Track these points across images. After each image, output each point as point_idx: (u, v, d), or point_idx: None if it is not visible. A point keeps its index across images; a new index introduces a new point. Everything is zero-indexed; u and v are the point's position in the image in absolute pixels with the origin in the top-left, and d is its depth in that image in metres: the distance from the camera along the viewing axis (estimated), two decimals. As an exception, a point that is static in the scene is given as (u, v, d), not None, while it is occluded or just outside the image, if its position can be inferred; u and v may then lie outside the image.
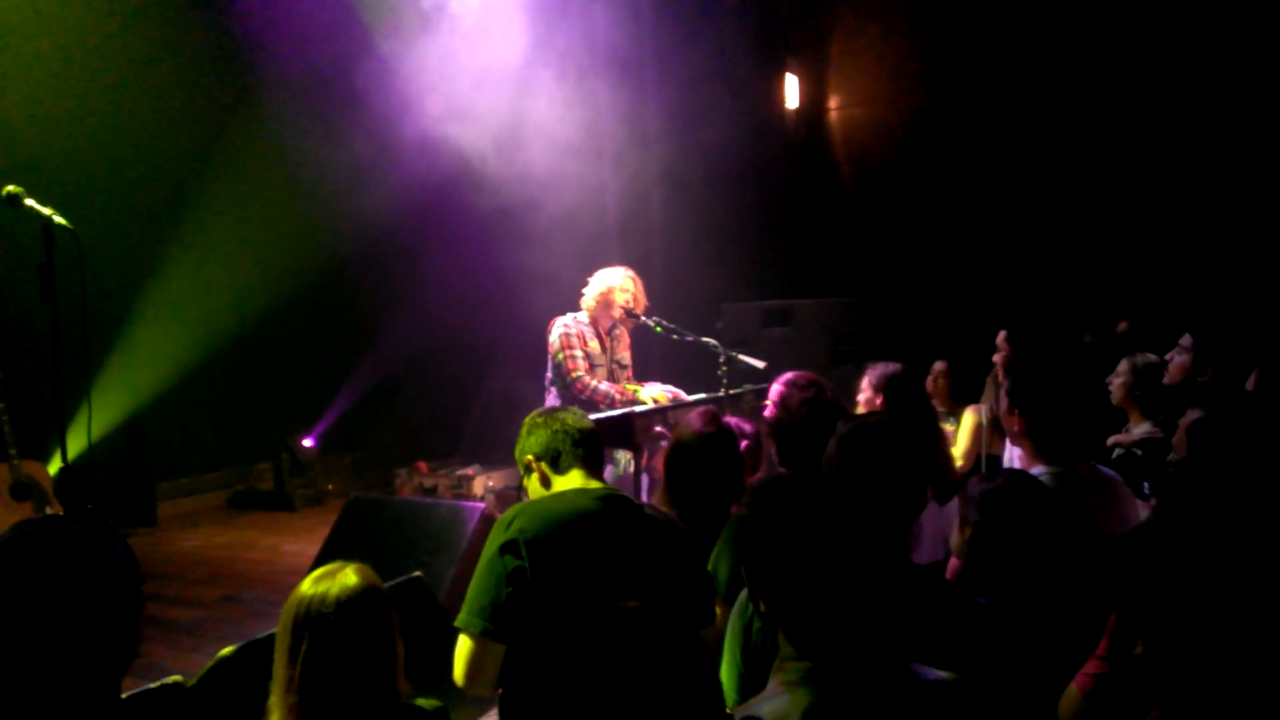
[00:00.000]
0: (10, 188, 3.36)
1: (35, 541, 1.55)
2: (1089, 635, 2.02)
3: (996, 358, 5.36)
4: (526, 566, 2.19)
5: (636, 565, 2.29)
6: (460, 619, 2.23)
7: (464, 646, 2.23)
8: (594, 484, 2.45)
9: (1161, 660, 1.71)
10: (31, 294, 3.24)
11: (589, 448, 2.49)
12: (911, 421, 3.36)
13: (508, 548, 2.22)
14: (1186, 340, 4.22)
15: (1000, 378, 5.22)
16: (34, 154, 6.04)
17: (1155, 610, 1.76)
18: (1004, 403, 3.15)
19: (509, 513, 2.32)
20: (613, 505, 2.36)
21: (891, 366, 3.75)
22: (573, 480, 2.45)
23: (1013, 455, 3.76)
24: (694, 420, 3.02)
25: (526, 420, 2.57)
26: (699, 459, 2.91)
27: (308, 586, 1.89)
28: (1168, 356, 4.23)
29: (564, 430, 2.48)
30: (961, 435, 5.01)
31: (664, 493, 2.95)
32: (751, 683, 1.97)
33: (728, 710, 1.83)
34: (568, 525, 2.27)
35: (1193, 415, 2.84)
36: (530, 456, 2.51)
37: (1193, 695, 1.66)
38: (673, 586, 2.32)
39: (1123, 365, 4.12)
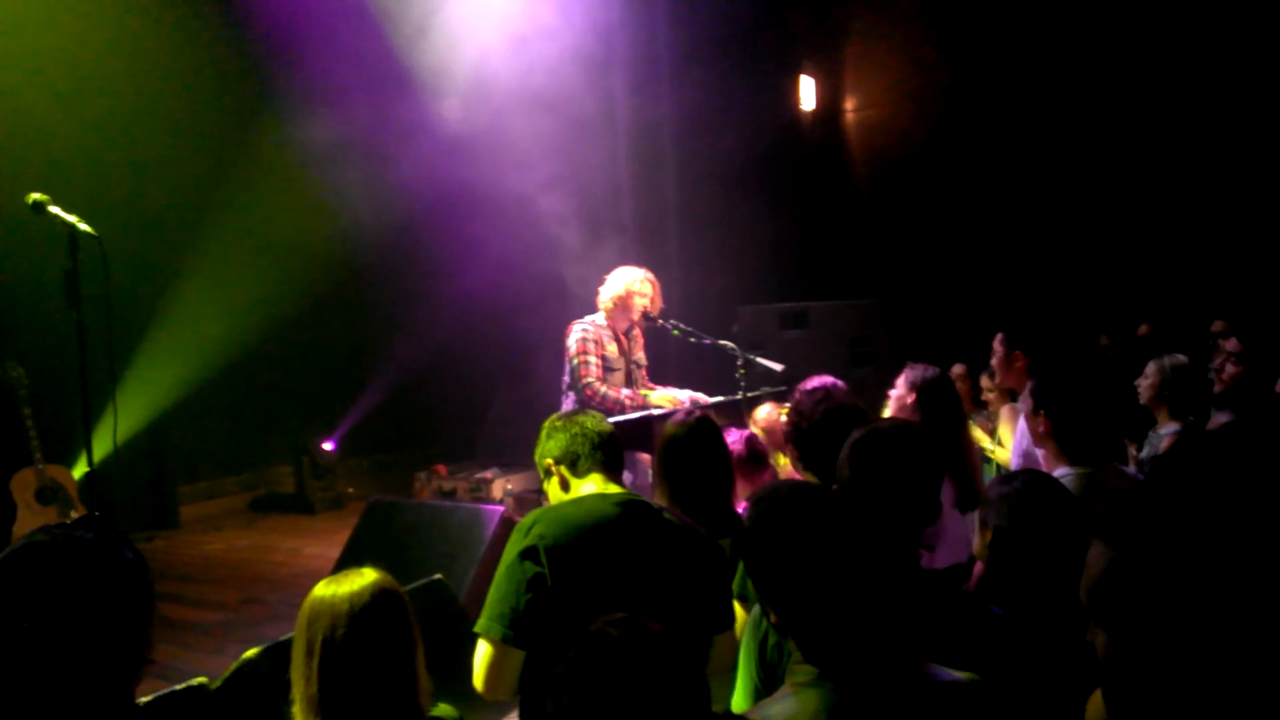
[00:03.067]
0: (35, 195, 3.40)
1: (41, 551, 1.55)
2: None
3: (994, 361, 5.33)
4: (546, 573, 2.19)
5: (655, 571, 2.29)
6: (480, 625, 2.23)
7: (483, 653, 2.23)
8: (613, 488, 2.45)
9: (1157, 677, 1.70)
10: (56, 300, 3.28)
11: (608, 451, 2.50)
12: (942, 426, 3.36)
13: (527, 554, 2.22)
14: (1235, 346, 4.17)
15: (997, 380, 5.19)
16: (58, 161, 6.11)
17: (1142, 626, 1.75)
18: (1028, 404, 3.13)
19: (528, 518, 2.32)
20: (631, 510, 2.35)
21: (930, 370, 3.75)
22: (592, 484, 2.45)
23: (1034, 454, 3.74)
24: (677, 415, 3.09)
25: (546, 424, 2.58)
26: (686, 449, 2.95)
27: (324, 589, 1.91)
28: (1217, 364, 4.19)
29: (583, 434, 2.49)
30: (1007, 436, 4.94)
31: (659, 488, 2.96)
32: (766, 696, 1.97)
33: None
34: (587, 531, 2.27)
35: (1220, 418, 2.83)
36: (549, 460, 2.51)
37: (1191, 707, 1.66)
38: (691, 592, 2.32)
39: (1150, 366, 4.10)
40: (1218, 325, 6.14)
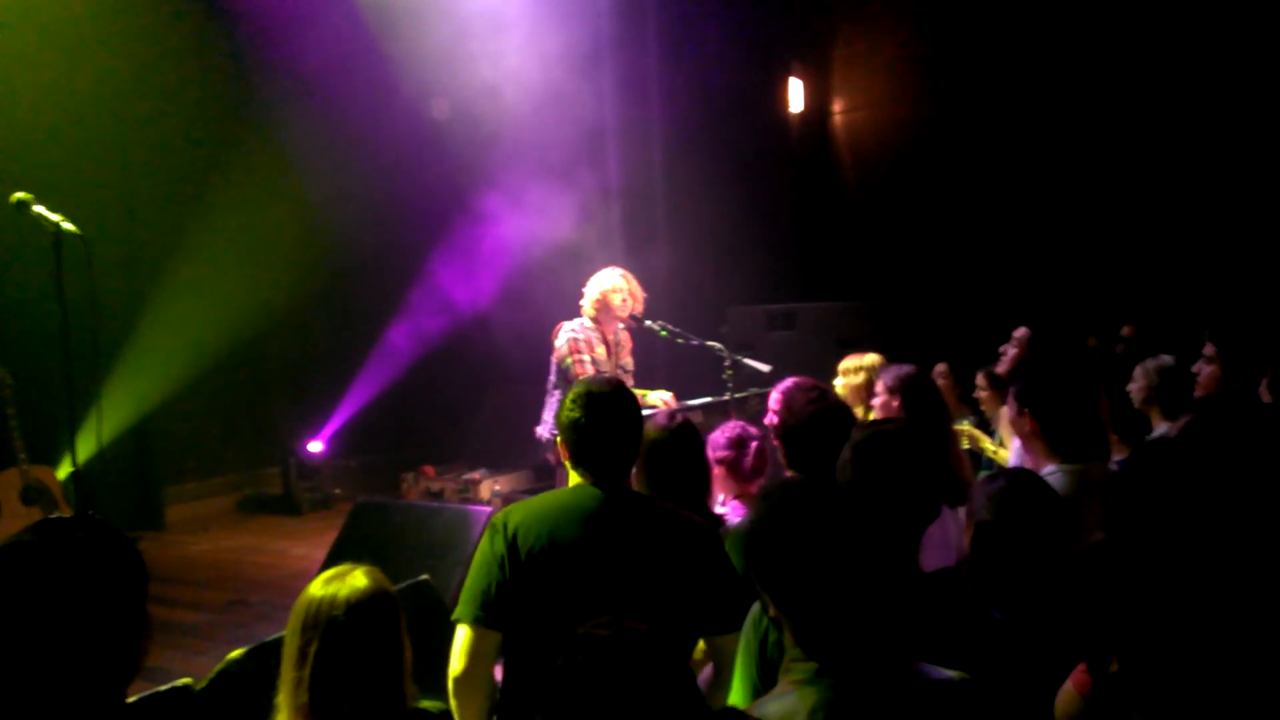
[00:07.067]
0: (19, 194, 3.38)
1: (32, 550, 1.54)
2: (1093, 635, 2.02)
3: (1008, 349, 5.27)
4: (514, 559, 2.25)
5: (635, 564, 2.29)
6: (456, 612, 2.29)
7: (461, 636, 2.28)
8: (594, 490, 2.43)
9: (1135, 675, 1.72)
10: (41, 299, 3.27)
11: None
12: (927, 423, 3.38)
13: (496, 542, 2.30)
14: (1210, 350, 4.20)
15: (1003, 371, 5.17)
16: (42, 160, 6.07)
17: (1120, 628, 1.77)
18: (1013, 405, 3.16)
19: (503, 511, 2.39)
20: (614, 502, 2.35)
21: (906, 368, 3.77)
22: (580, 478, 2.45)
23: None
24: (659, 418, 3.09)
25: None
26: (667, 452, 2.95)
27: (318, 588, 1.90)
28: (1195, 369, 4.22)
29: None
30: (1009, 437, 4.91)
31: (640, 488, 2.95)
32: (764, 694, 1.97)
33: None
34: (556, 520, 2.30)
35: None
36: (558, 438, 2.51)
37: (1170, 701, 1.68)
38: (683, 588, 2.32)
39: (1137, 370, 4.11)
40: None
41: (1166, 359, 4.06)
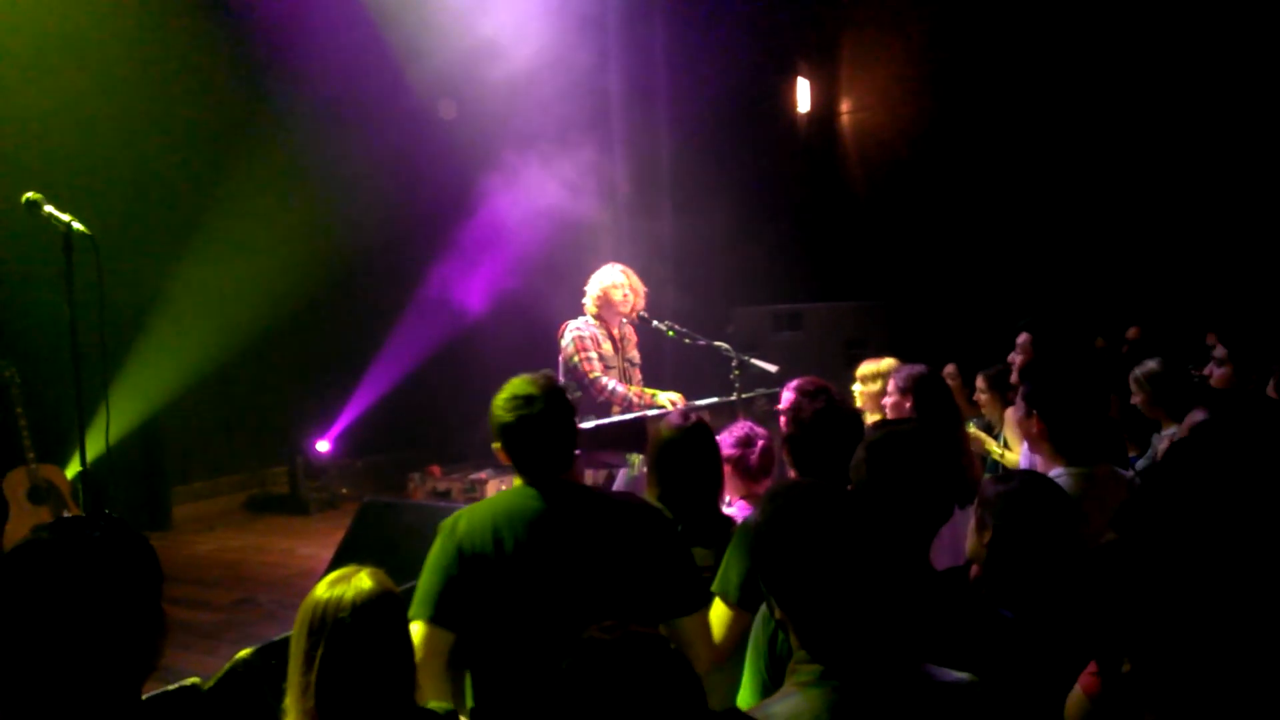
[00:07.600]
0: (29, 194, 3.38)
1: (49, 548, 1.55)
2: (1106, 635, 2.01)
3: (1015, 357, 5.26)
4: (460, 559, 2.27)
5: (585, 556, 2.30)
6: (410, 611, 2.27)
7: (414, 633, 2.24)
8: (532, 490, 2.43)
9: (1147, 675, 1.71)
10: (50, 299, 3.27)
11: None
12: (939, 423, 3.37)
13: (446, 542, 2.32)
14: (1221, 352, 4.18)
15: (1014, 379, 5.16)
16: (52, 160, 6.10)
17: (1132, 628, 1.76)
18: (1020, 407, 3.15)
19: (455, 514, 2.40)
20: (555, 499, 2.35)
21: (917, 368, 3.76)
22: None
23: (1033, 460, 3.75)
24: (673, 418, 3.09)
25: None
26: (679, 452, 2.95)
27: (322, 591, 1.90)
28: (1206, 370, 4.20)
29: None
30: (1015, 440, 4.90)
31: (650, 489, 2.98)
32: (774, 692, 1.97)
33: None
34: (502, 523, 2.30)
35: (1197, 415, 2.86)
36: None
37: (1182, 701, 1.67)
38: (638, 571, 2.32)
39: (1130, 383, 4.09)
40: (1211, 338, 6.13)
41: (1150, 364, 4.02)
